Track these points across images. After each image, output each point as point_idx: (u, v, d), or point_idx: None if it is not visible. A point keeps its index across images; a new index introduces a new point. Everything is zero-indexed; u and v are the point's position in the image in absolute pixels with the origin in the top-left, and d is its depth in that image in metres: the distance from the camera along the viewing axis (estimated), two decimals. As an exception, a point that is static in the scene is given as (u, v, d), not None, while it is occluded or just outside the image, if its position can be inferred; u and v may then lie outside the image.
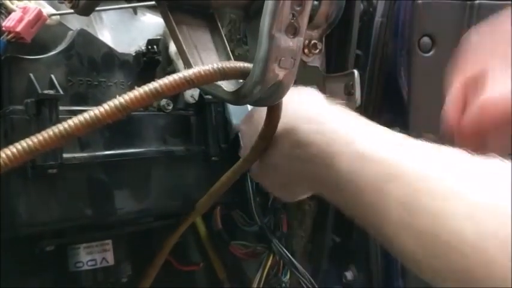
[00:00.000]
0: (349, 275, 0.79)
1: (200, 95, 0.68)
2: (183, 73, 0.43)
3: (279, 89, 0.46)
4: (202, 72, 0.43)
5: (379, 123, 0.49)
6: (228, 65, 0.45)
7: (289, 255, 0.69)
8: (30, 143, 0.39)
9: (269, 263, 0.75)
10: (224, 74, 0.45)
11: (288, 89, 0.47)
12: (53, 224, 0.55)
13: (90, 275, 0.63)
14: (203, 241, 0.81)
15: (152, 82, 0.42)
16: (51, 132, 0.39)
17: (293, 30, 0.44)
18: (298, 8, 0.44)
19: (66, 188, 0.56)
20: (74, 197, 0.56)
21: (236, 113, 0.74)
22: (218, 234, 0.81)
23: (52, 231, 0.59)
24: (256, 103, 0.48)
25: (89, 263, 0.63)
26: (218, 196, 0.67)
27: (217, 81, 0.46)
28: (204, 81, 0.43)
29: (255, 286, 0.76)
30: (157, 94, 0.41)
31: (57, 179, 0.54)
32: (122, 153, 0.60)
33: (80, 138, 0.56)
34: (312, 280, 0.62)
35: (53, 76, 0.56)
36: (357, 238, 0.81)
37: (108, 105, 0.40)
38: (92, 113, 0.40)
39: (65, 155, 0.55)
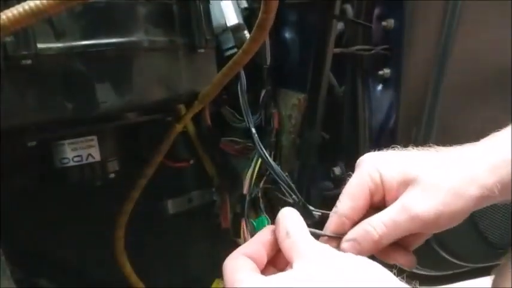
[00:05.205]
0: (337, 170, 0.79)
1: (182, -20, 0.64)
2: None
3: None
4: None
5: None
6: None
7: (268, 156, 0.68)
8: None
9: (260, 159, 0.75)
10: None
11: None
12: (31, 118, 0.53)
13: (76, 171, 0.63)
14: (192, 138, 0.80)
15: None
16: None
17: None
18: None
19: (43, 80, 0.53)
20: (52, 90, 0.54)
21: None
22: (207, 130, 0.79)
23: (32, 125, 0.57)
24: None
25: (75, 159, 0.62)
26: (221, 86, 0.66)
27: None
28: None
29: (247, 181, 0.76)
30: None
31: (33, 70, 0.51)
32: (101, 43, 0.56)
33: (54, 27, 0.53)
34: (290, 182, 0.61)
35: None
36: (346, 135, 0.80)
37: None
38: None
39: (40, 45, 0.51)
